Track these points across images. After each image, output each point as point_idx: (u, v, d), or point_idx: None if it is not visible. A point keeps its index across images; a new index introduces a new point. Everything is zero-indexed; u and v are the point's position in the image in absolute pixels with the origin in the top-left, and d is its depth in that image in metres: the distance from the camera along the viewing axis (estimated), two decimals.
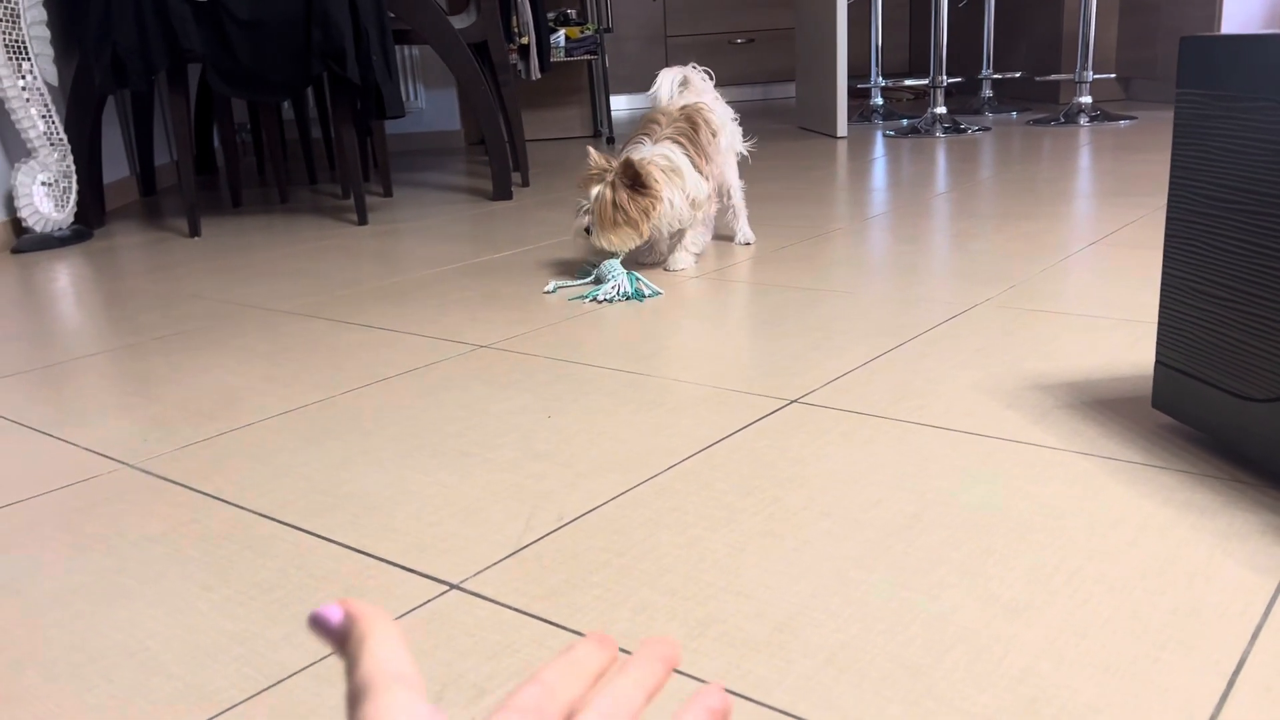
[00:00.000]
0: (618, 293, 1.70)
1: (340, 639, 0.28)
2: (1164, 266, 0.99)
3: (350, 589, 0.84)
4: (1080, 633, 0.71)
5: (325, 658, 0.75)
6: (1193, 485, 0.92)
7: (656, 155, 1.77)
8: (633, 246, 1.76)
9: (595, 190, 1.72)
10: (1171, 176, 0.97)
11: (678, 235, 1.88)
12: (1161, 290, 1.00)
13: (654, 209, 1.71)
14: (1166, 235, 0.99)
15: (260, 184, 3.49)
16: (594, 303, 1.69)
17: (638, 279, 1.73)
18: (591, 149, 1.78)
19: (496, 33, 3.11)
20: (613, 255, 1.78)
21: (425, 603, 0.81)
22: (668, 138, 1.81)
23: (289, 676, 0.73)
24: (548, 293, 1.77)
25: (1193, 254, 0.96)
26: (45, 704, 0.72)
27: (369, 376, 1.38)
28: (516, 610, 0.79)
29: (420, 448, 1.13)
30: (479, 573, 0.85)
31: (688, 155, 1.80)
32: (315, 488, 1.04)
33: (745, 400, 1.21)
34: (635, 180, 1.70)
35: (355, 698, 0.26)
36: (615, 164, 1.73)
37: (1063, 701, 0.64)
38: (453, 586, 0.83)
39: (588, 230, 1.74)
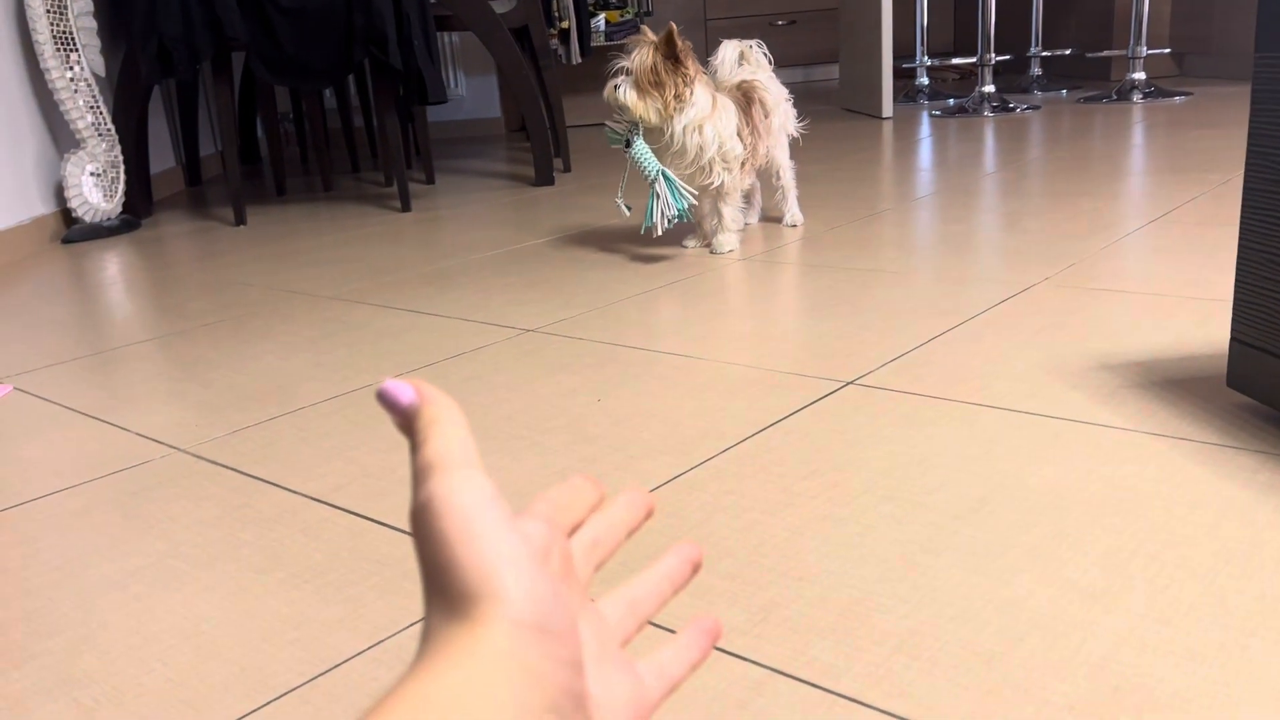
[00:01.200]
0: (665, 219, 1.76)
1: (408, 418, 0.29)
2: (1240, 238, 0.95)
3: (405, 573, 0.83)
4: (1163, 620, 0.68)
5: (381, 642, 0.74)
6: (1274, 466, 0.88)
7: (717, 92, 1.81)
8: (651, 121, 1.75)
9: (638, 51, 1.75)
10: (1249, 144, 0.93)
11: (715, 214, 1.86)
12: (1238, 263, 0.96)
13: (684, 87, 1.74)
14: (1243, 205, 0.94)
15: (304, 172, 3.51)
16: (652, 228, 1.79)
17: (672, 179, 1.76)
18: (645, 27, 1.83)
19: (537, 17, 3.10)
20: (635, 127, 1.80)
21: None
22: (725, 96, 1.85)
23: (345, 661, 0.72)
24: (619, 203, 1.87)
25: (1271, 225, 0.91)
26: (103, 686, 0.71)
27: (416, 361, 1.37)
28: None
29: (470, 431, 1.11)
30: None
31: (736, 122, 1.80)
32: (366, 472, 1.03)
33: (800, 382, 1.18)
34: (671, 50, 1.73)
35: (422, 474, 0.27)
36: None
37: (1148, 690, 0.61)
38: None
39: (616, 88, 1.75)
